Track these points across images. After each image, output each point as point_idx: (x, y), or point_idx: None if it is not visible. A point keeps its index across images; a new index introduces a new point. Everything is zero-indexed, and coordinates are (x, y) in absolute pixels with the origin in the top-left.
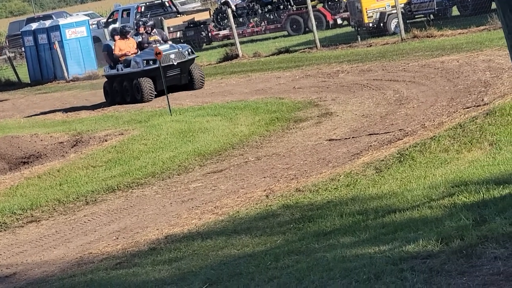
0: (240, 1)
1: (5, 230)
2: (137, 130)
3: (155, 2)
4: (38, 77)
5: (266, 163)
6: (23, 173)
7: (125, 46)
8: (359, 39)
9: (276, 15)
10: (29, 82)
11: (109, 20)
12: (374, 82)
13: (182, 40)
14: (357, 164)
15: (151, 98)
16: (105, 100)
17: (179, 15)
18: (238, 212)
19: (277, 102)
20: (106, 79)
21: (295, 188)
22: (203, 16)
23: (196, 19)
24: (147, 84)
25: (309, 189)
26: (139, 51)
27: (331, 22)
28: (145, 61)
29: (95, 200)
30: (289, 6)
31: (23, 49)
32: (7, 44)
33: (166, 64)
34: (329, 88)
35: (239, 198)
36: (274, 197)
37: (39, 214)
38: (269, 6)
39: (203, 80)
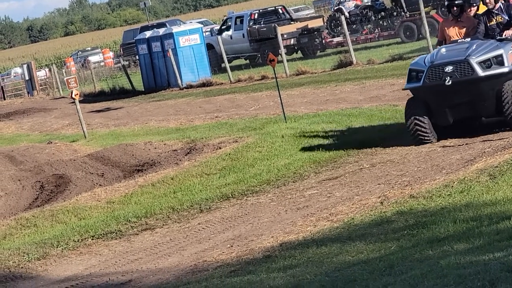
0: (354, 8)
1: (120, 237)
2: (252, 137)
3: (269, 9)
4: (152, 85)
5: (380, 170)
6: (137, 181)
7: (453, 33)
8: None
9: (389, 21)
10: (143, 89)
11: (223, 27)
12: None
13: (296, 47)
14: (470, 170)
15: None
16: None
17: (292, 22)
18: (353, 219)
19: (391, 109)
20: None
21: (409, 194)
22: (317, 23)
23: (309, 26)
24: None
25: (423, 195)
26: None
27: None
28: None
29: (209, 208)
30: (403, 13)
31: (137, 57)
32: (122, 52)
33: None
34: None
35: (354, 205)
36: (389, 203)
37: (154, 222)
38: (382, 13)
39: None
